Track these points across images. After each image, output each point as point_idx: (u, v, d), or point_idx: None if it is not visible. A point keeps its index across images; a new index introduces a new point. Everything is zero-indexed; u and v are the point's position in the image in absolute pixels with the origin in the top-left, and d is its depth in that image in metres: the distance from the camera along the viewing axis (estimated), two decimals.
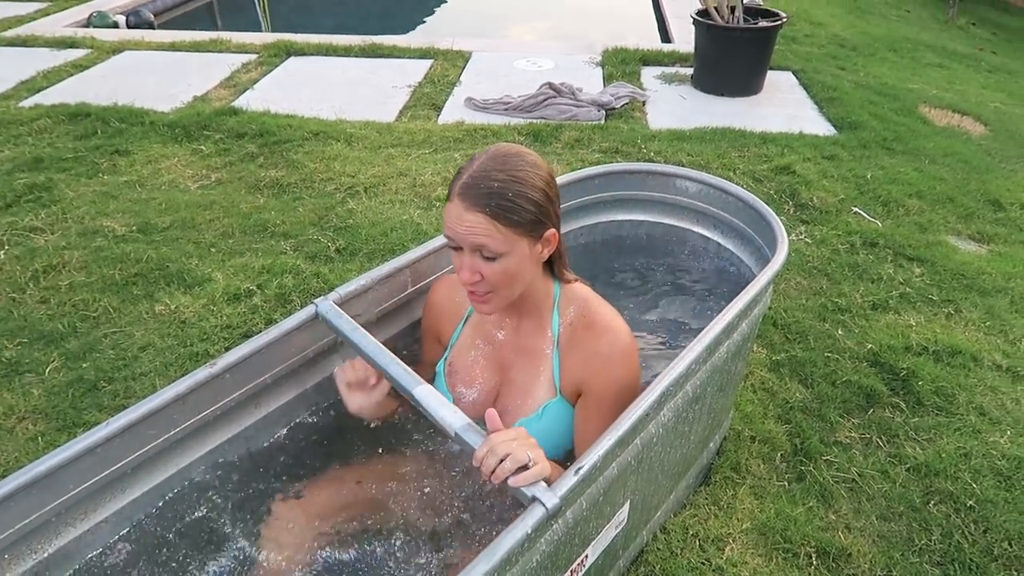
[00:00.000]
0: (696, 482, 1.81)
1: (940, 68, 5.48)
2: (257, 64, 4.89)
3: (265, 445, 1.38)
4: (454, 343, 1.43)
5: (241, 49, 5.19)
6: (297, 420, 1.43)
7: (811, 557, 1.66)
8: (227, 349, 2.25)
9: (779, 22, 4.32)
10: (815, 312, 2.47)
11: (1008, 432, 2.02)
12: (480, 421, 1.13)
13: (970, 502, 1.80)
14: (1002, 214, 3.23)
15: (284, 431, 1.40)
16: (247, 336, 2.31)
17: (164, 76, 4.69)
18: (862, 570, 1.64)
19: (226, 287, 2.50)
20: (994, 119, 4.41)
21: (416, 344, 1.59)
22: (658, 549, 1.64)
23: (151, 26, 6.26)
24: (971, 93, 4.93)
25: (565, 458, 1.36)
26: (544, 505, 0.99)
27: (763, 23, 4.32)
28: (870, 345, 2.31)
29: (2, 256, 2.71)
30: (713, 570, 1.61)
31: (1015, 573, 1.65)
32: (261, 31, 6.25)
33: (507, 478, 1.02)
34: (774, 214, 1.69)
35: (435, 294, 1.49)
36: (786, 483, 1.86)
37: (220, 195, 3.19)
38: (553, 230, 1.23)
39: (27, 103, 4.18)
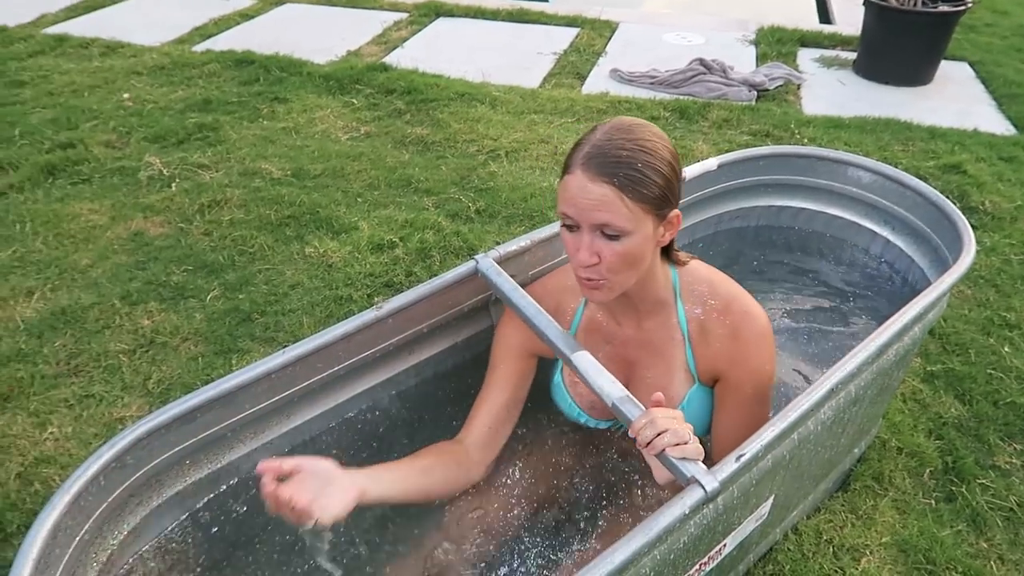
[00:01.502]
0: (833, 487, 1.73)
1: None
2: (408, 23, 4.99)
3: (413, 392, 1.43)
4: None
5: (393, 7, 5.31)
6: (444, 371, 1.47)
7: None
8: (369, 296, 2.36)
9: (963, 7, 3.95)
10: (979, 325, 2.28)
11: None
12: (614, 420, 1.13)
13: None
14: None
15: (432, 379, 1.44)
16: (388, 286, 2.40)
17: (321, 29, 4.88)
18: None
19: (370, 236, 2.59)
20: None
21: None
22: (788, 549, 1.58)
23: None
24: None
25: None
26: (704, 488, 0.97)
27: (944, 7, 3.96)
28: None
29: (174, 188, 2.93)
30: None
31: None
32: None
33: (664, 450, 1.01)
34: (960, 213, 1.57)
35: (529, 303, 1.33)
36: (933, 502, 1.74)
37: (368, 148, 3.30)
38: (677, 211, 1.13)
39: (199, 48, 4.47)
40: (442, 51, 4.50)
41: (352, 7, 5.34)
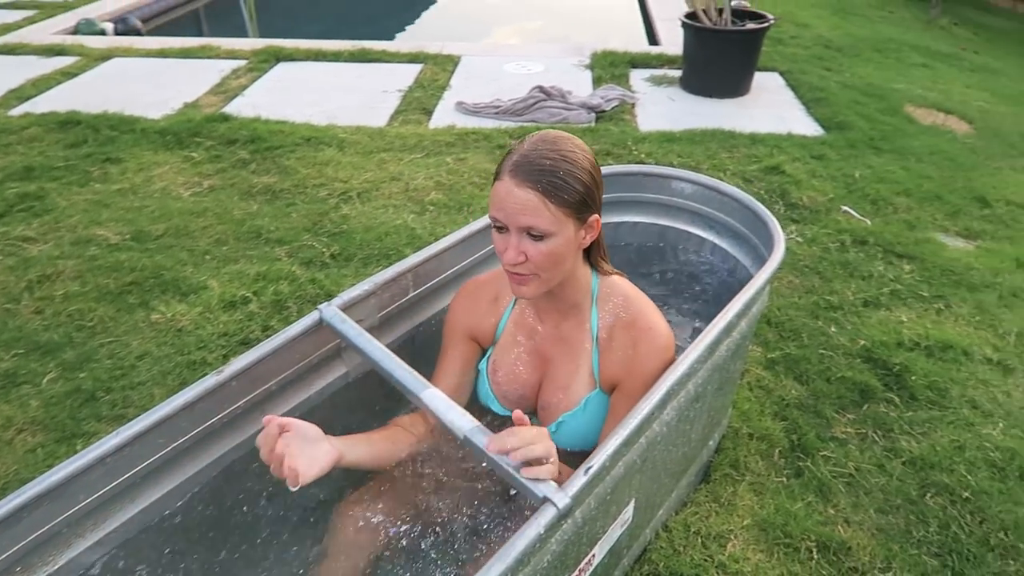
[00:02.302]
0: (697, 480, 1.83)
1: (924, 68, 5.54)
2: (247, 70, 4.88)
3: None
4: (498, 339, 1.44)
5: (230, 55, 5.18)
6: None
7: (812, 551, 1.69)
8: (224, 357, 2.27)
9: (766, 24, 4.36)
10: (808, 310, 2.50)
11: (1000, 424, 2.06)
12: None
13: (966, 494, 1.83)
14: (988, 211, 3.28)
15: None
16: (244, 343, 2.31)
17: (154, 83, 4.67)
18: (862, 563, 1.67)
19: (222, 295, 2.50)
20: (978, 117, 4.47)
21: (418, 349, 1.60)
22: (661, 547, 1.66)
23: (138, 33, 6.23)
24: (955, 92, 4.99)
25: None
26: (555, 505, 1.01)
27: (750, 25, 4.36)
28: (863, 342, 2.34)
29: None
30: (716, 566, 1.63)
31: (1011, 562, 1.68)
32: (248, 37, 6.24)
33: (519, 467, 1.04)
34: (770, 213, 1.72)
35: (468, 294, 1.48)
36: (785, 479, 1.88)
37: (213, 202, 3.18)
38: (597, 215, 1.24)
39: (16, 111, 4.16)
40: (285, 96, 4.43)
41: (186, 58, 5.16)
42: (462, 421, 1.13)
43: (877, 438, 2.01)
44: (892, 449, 1.98)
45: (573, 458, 1.22)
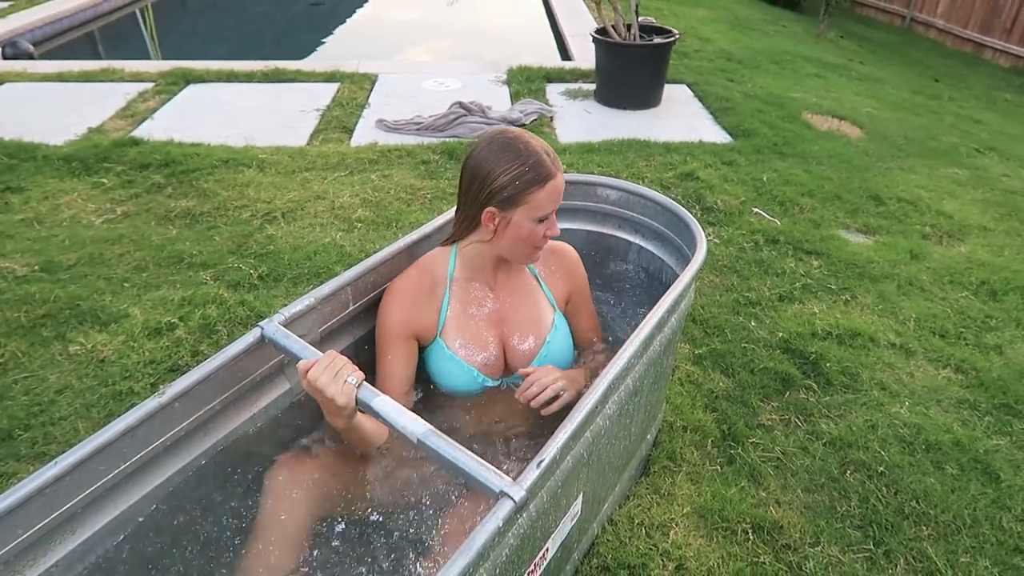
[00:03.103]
0: (637, 474, 1.89)
1: (817, 77, 5.92)
2: (154, 92, 4.73)
3: (215, 473, 1.36)
4: (444, 324, 1.53)
5: (136, 78, 5.01)
6: (246, 446, 1.41)
7: (748, 532, 1.78)
8: (152, 385, 2.19)
9: (672, 39, 4.57)
10: (729, 307, 2.63)
11: (907, 403, 2.22)
12: (503, 376, 1.55)
13: (881, 468, 1.97)
14: (883, 208, 3.53)
15: (234, 458, 1.39)
16: (173, 371, 2.24)
17: (53, 108, 4.46)
18: (793, 540, 1.77)
19: (145, 322, 2.41)
20: (868, 123, 4.81)
21: (361, 363, 1.60)
22: (608, 540, 1.71)
23: (31, 57, 5.94)
24: (846, 99, 5.35)
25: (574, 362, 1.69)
26: (512, 498, 1.04)
27: (658, 40, 4.55)
28: (781, 333, 2.48)
29: None
30: (660, 554, 1.70)
31: (924, 528, 1.82)
32: (151, 59, 6.05)
33: (473, 465, 1.09)
34: (690, 215, 1.81)
35: (400, 293, 1.53)
36: (719, 467, 1.97)
37: (128, 228, 3.07)
38: None
39: None
40: (197, 118, 4.31)
41: (87, 81, 4.96)
42: (414, 426, 1.15)
43: (799, 423, 2.14)
44: (813, 432, 2.10)
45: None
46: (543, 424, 1.55)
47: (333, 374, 1.21)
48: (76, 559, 1.16)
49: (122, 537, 1.22)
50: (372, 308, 1.64)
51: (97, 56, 6.90)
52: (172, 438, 1.25)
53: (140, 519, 1.23)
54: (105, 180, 3.48)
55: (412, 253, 1.68)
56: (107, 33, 7.69)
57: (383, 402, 1.18)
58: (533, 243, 1.47)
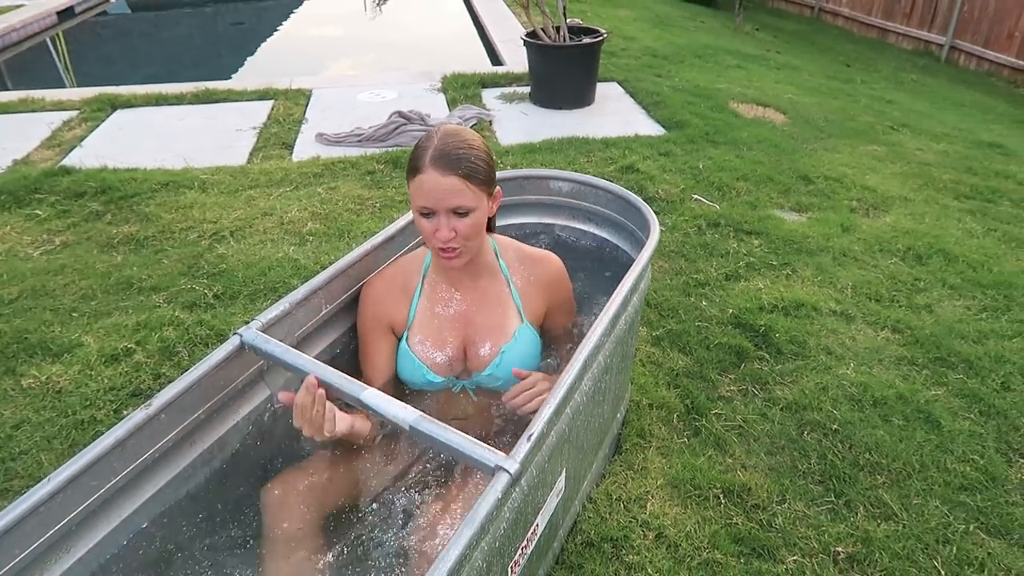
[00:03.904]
0: (610, 452, 1.97)
1: (739, 68, 6.17)
2: (80, 120, 4.60)
3: (204, 482, 1.37)
4: (413, 320, 1.59)
5: (58, 106, 4.86)
6: (233, 452, 1.42)
7: (719, 497, 1.87)
8: (116, 412, 2.16)
9: (601, 38, 4.70)
10: (680, 289, 2.74)
11: (852, 364, 2.36)
12: (457, 376, 1.58)
13: (834, 426, 2.10)
14: (812, 186, 3.72)
15: (221, 466, 1.39)
16: (136, 395, 2.21)
17: None
18: (761, 500, 1.87)
19: (100, 349, 2.37)
20: (790, 108, 5.05)
21: (337, 364, 1.63)
22: (589, 517, 1.77)
23: None
24: (768, 88, 5.60)
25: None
26: (507, 471, 1.09)
27: (587, 40, 4.68)
28: (731, 310, 2.60)
29: None
30: (640, 525, 1.77)
31: (878, 476, 1.95)
32: (65, 88, 5.85)
33: (467, 443, 1.14)
34: (642, 200, 1.90)
35: (374, 289, 1.62)
36: (686, 439, 2.06)
37: (70, 258, 2.99)
38: (499, 188, 1.50)
39: None
40: (130, 143, 4.22)
41: (6, 113, 4.79)
42: (405, 413, 1.18)
43: (756, 392, 2.25)
44: (770, 399, 2.22)
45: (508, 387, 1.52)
46: (498, 431, 1.63)
47: (308, 422, 1.28)
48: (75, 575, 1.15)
49: (116, 552, 1.22)
50: (344, 311, 1.66)
51: (4, 89, 6.63)
52: (160, 449, 1.26)
53: (131, 534, 1.22)
54: (39, 211, 3.38)
55: (377, 256, 1.71)
56: (13, 65, 7.39)
57: (372, 395, 1.22)
58: (430, 240, 1.44)
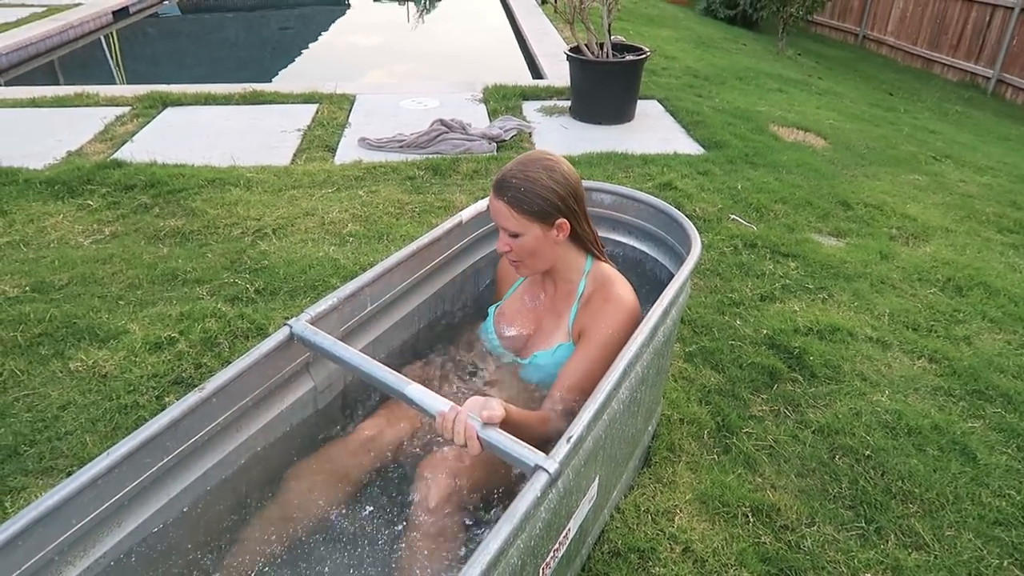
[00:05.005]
0: (640, 464, 1.97)
1: (780, 92, 6.15)
2: (132, 116, 4.74)
3: (245, 467, 1.41)
4: (507, 297, 1.85)
5: (111, 102, 5.01)
6: (275, 440, 1.46)
7: (747, 516, 1.86)
8: (158, 398, 2.22)
9: (644, 56, 4.73)
10: (715, 307, 2.74)
11: (887, 391, 2.34)
12: (518, 353, 1.72)
13: (867, 452, 2.08)
14: (851, 212, 3.70)
15: (264, 452, 1.43)
16: (178, 383, 2.27)
17: (29, 133, 4.45)
18: (790, 520, 1.86)
19: (145, 337, 2.44)
20: (831, 134, 5.02)
21: (380, 357, 1.67)
22: (617, 527, 1.78)
23: None
24: (809, 112, 5.57)
25: None
26: (547, 471, 1.11)
27: (630, 57, 4.71)
28: (765, 331, 2.59)
29: None
30: (668, 538, 1.77)
31: (911, 505, 1.93)
32: (118, 85, 6.01)
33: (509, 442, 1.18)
34: (683, 215, 1.92)
35: (502, 266, 1.92)
36: (716, 456, 2.06)
37: (118, 248, 3.08)
38: (563, 220, 1.59)
39: None
40: (179, 140, 4.34)
41: (62, 107, 4.95)
42: (437, 403, 1.22)
43: (788, 413, 2.24)
44: (802, 421, 2.21)
45: (531, 397, 1.63)
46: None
47: (453, 435, 1.24)
48: (122, 551, 1.19)
49: (167, 522, 1.26)
50: (387, 310, 1.70)
51: (57, 83, 6.83)
52: (210, 432, 1.30)
53: (184, 507, 1.27)
54: (90, 202, 3.49)
55: (421, 258, 1.75)
56: (67, 63, 7.63)
57: (415, 389, 1.25)
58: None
